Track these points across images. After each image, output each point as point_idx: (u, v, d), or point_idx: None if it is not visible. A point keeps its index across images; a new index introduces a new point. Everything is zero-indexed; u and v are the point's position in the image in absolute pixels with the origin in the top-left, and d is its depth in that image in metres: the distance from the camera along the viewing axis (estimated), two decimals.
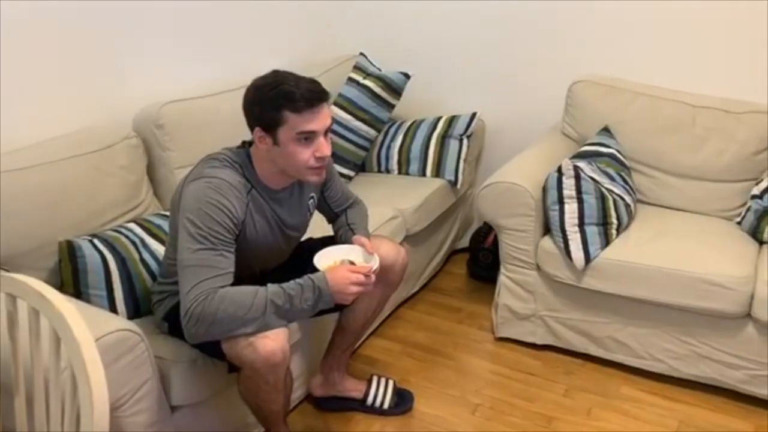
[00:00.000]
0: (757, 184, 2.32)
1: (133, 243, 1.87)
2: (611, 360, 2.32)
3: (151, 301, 1.81)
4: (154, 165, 2.19)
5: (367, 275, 1.62)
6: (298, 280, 1.56)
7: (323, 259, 1.69)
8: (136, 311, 1.83)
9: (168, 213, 2.04)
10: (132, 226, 1.94)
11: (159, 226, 1.96)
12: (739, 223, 2.36)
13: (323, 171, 1.66)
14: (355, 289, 1.59)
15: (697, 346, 2.15)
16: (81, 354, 1.08)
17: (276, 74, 1.59)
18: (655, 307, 2.17)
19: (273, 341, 1.52)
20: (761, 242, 2.27)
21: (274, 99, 1.54)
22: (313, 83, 1.58)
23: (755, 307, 2.02)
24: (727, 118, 2.44)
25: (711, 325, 2.11)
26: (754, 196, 2.29)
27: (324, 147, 1.60)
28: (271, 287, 1.54)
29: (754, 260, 2.13)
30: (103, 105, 2.16)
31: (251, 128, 1.61)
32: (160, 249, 1.90)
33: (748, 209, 2.30)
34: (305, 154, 1.58)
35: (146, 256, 1.87)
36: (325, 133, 1.61)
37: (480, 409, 2.15)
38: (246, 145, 1.70)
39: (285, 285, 1.55)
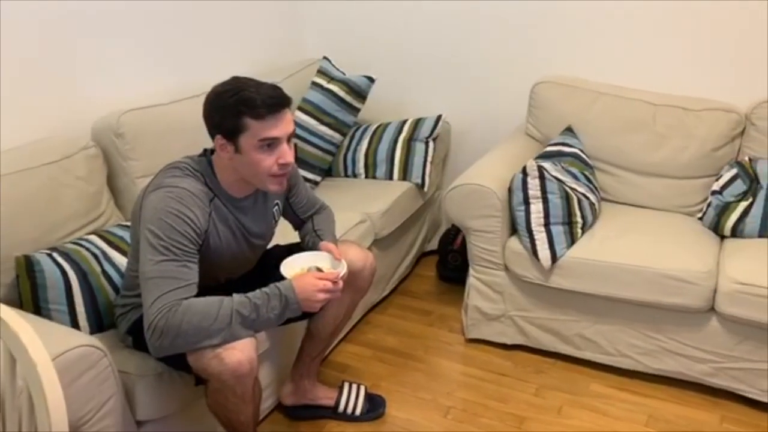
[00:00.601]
0: (716, 179, 2.37)
1: (95, 255, 1.83)
2: (580, 357, 2.34)
3: (115, 314, 1.77)
4: (115, 175, 2.14)
5: (334, 282, 1.60)
6: (264, 289, 1.54)
7: (290, 267, 1.67)
8: (99, 326, 1.79)
9: (129, 224, 2.01)
10: (93, 238, 1.89)
11: (121, 238, 1.92)
12: (700, 218, 2.40)
13: (285, 180, 1.64)
14: (322, 296, 1.58)
15: (664, 341, 2.18)
16: (37, 375, 1.05)
17: (236, 80, 1.57)
18: (621, 304, 2.20)
19: (240, 352, 1.50)
20: (722, 237, 2.31)
21: (235, 106, 1.51)
22: (275, 89, 1.56)
23: (718, 301, 2.06)
24: (687, 116, 2.48)
25: (676, 320, 2.15)
26: (714, 192, 2.33)
27: (287, 154, 1.58)
28: (237, 297, 1.51)
29: (715, 255, 2.17)
30: (59, 114, 2.11)
31: (212, 136, 1.58)
32: (122, 261, 1.86)
33: (709, 205, 2.35)
34: (268, 162, 1.56)
35: (108, 268, 1.83)
36: (288, 140, 1.59)
37: (452, 411, 2.15)
38: (207, 153, 1.67)
39: (251, 294, 1.52)
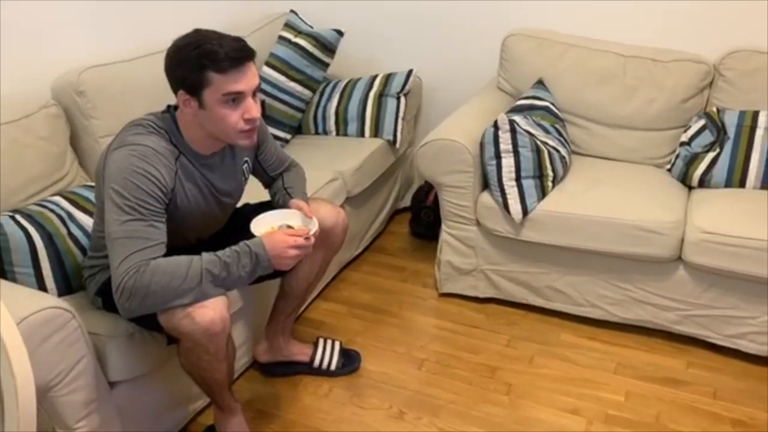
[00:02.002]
0: (685, 131, 2.39)
1: (60, 217, 1.79)
2: (551, 309, 2.38)
3: (83, 276, 1.75)
4: (78, 135, 2.09)
5: (306, 238, 1.59)
6: (234, 247, 1.52)
7: (260, 225, 1.65)
8: (67, 288, 1.77)
9: (94, 183, 1.97)
10: (57, 199, 1.85)
11: (87, 198, 1.88)
12: (669, 170, 2.43)
13: (254, 134, 1.61)
14: (293, 252, 1.56)
15: (632, 290, 2.22)
16: (0, 338, 1.03)
17: (198, 33, 1.51)
18: (591, 255, 2.23)
19: (212, 310, 1.49)
20: (690, 187, 2.34)
21: (197, 59, 1.46)
22: (238, 41, 1.51)
23: (685, 250, 2.09)
24: (657, 68, 2.48)
25: (644, 270, 2.19)
26: (682, 143, 2.36)
27: (253, 108, 1.54)
28: (206, 256, 1.50)
29: (683, 205, 2.20)
30: (17, 72, 2.03)
31: (175, 91, 1.54)
32: (89, 222, 1.82)
33: (677, 156, 2.37)
34: (233, 117, 1.52)
35: (74, 230, 1.80)
36: (254, 94, 1.56)
37: (426, 363, 2.18)
38: (171, 109, 1.63)
39: (221, 253, 1.51)
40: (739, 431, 1.90)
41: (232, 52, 1.47)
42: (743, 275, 2.03)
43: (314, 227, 1.64)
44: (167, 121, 1.59)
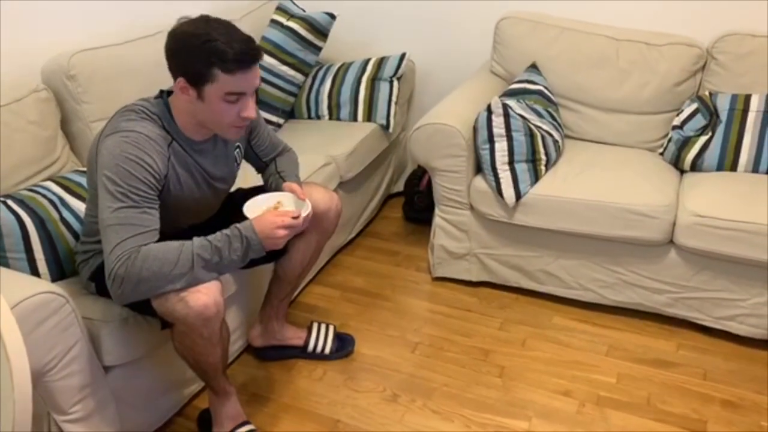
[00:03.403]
0: (677, 115, 2.39)
1: (51, 202, 1.78)
2: (543, 292, 2.40)
3: (76, 261, 1.74)
4: (69, 119, 2.07)
5: (295, 218, 1.58)
6: (224, 231, 1.52)
7: (252, 209, 1.65)
8: (60, 273, 1.76)
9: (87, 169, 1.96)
10: (49, 184, 1.84)
11: (78, 183, 1.87)
12: (661, 153, 2.44)
13: (243, 129, 1.61)
14: (283, 233, 1.55)
15: (624, 274, 2.24)
16: None
17: (208, 24, 1.48)
18: (583, 239, 2.24)
19: (205, 295, 1.49)
20: (682, 171, 2.35)
21: (205, 54, 1.45)
22: (248, 42, 1.49)
23: (677, 234, 2.11)
24: (650, 51, 2.48)
25: (636, 253, 2.20)
26: (675, 127, 2.36)
27: (251, 108, 1.55)
28: (197, 240, 1.49)
29: (675, 189, 2.21)
30: (6, 56, 2.01)
31: (174, 76, 1.52)
32: (81, 207, 1.82)
33: (670, 140, 2.38)
34: (231, 114, 1.53)
35: (67, 215, 1.79)
36: (253, 93, 1.56)
37: (419, 347, 2.19)
38: (164, 95, 1.62)
39: (211, 237, 1.51)
40: (728, 411, 1.92)
41: (241, 55, 1.46)
42: (734, 258, 2.05)
43: (307, 210, 1.64)
44: (160, 107, 1.58)
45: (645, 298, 2.25)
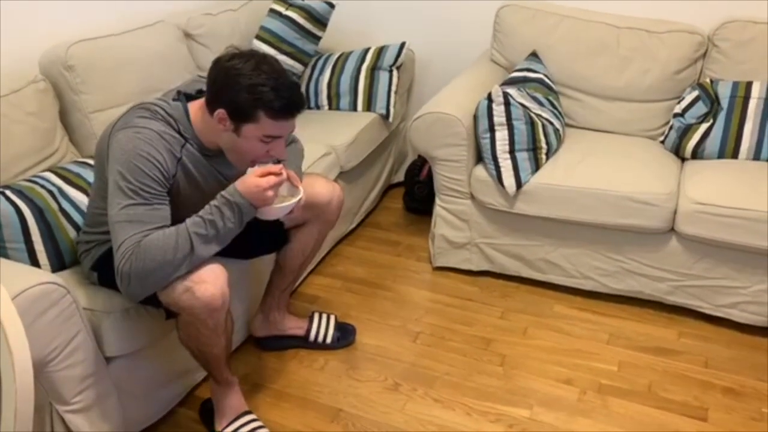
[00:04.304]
0: (678, 102, 2.38)
1: (51, 193, 1.77)
2: (544, 281, 2.40)
3: (78, 251, 1.74)
4: (68, 110, 2.06)
5: (277, 174, 1.54)
6: (212, 202, 1.51)
7: None
8: (60, 263, 1.76)
9: (86, 160, 1.95)
10: (48, 175, 1.83)
11: (78, 174, 1.87)
12: (662, 141, 2.44)
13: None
14: (267, 183, 1.51)
15: (625, 262, 2.24)
16: None
17: (257, 65, 1.47)
18: (584, 228, 2.24)
19: (212, 285, 1.49)
20: (683, 159, 2.35)
21: (252, 99, 1.45)
22: (294, 91, 1.50)
23: (678, 222, 2.10)
24: (650, 39, 2.47)
25: (637, 241, 2.20)
26: (676, 115, 2.36)
27: (282, 151, 1.57)
28: (189, 220, 1.49)
29: (676, 177, 2.21)
30: (4, 47, 2.00)
31: (212, 107, 1.51)
32: (80, 198, 1.81)
33: (671, 128, 2.37)
34: (260, 151, 1.54)
35: (66, 205, 1.78)
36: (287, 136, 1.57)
37: (421, 336, 2.20)
38: (182, 97, 1.60)
39: (202, 212, 1.50)
40: (729, 399, 1.93)
41: (288, 105, 1.48)
42: (735, 245, 2.05)
43: (299, 195, 1.62)
44: (178, 111, 1.57)
45: (646, 286, 2.24)
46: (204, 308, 1.49)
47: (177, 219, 1.54)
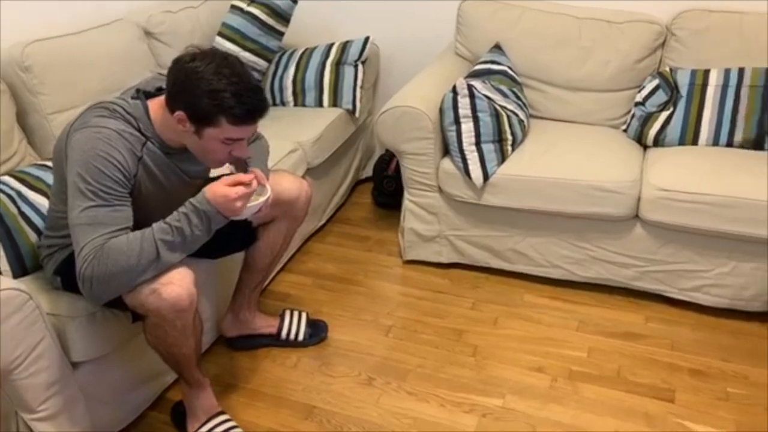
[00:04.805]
0: (639, 91, 2.42)
1: (10, 197, 1.73)
2: (513, 271, 2.42)
3: (40, 256, 1.70)
4: (25, 112, 2.01)
5: (246, 184, 1.52)
6: (180, 209, 1.49)
7: None
8: (22, 269, 1.72)
9: (45, 163, 1.90)
10: (6, 179, 1.79)
11: (37, 177, 1.82)
12: (625, 130, 2.47)
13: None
14: (235, 194, 1.49)
15: (592, 249, 2.27)
16: None
17: (218, 67, 1.44)
18: (551, 217, 2.27)
19: (179, 286, 1.47)
20: (645, 146, 2.39)
21: (213, 104, 1.43)
22: (256, 97, 1.47)
23: (642, 208, 2.14)
24: (611, 29, 2.50)
25: (603, 229, 2.23)
26: (637, 103, 2.39)
27: (244, 150, 1.55)
28: (156, 226, 1.47)
29: (639, 164, 2.24)
30: None
31: (172, 107, 1.48)
32: (41, 201, 1.77)
33: (633, 116, 2.41)
34: (223, 153, 1.53)
35: (26, 209, 1.74)
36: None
37: (393, 330, 2.20)
38: (141, 96, 1.57)
39: (169, 218, 1.48)
40: (695, 380, 1.97)
41: (249, 112, 1.46)
42: (698, 230, 2.09)
43: (265, 195, 1.61)
44: (138, 109, 1.54)
45: (613, 273, 2.28)
46: (171, 309, 1.47)
47: (140, 219, 1.51)
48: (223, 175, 1.79)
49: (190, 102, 1.45)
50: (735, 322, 2.19)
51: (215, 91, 1.43)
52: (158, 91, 1.59)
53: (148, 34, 2.42)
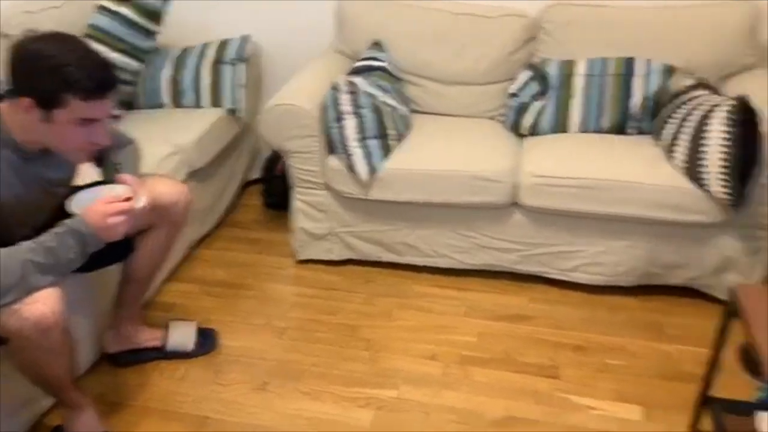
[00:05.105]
0: (513, 83, 2.51)
1: None
2: (404, 263, 2.45)
3: None
4: None
5: (126, 200, 1.49)
6: (53, 229, 1.41)
7: (80, 202, 1.53)
8: None
9: None
10: None
11: None
12: (502, 121, 2.56)
13: (90, 152, 1.51)
14: (115, 220, 1.46)
15: (476, 237, 2.34)
16: None
17: (59, 44, 1.36)
18: (436, 208, 2.31)
19: (42, 304, 1.38)
20: (522, 136, 2.49)
21: (57, 80, 1.34)
22: (103, 68, 1.39)
23: (520, 195, 2.23)
24: (486, 23, 2.58)
25: (486, 217, 2.31)
26: (512, 95, 2.49)
27: (103, 136, 1.46)
28: (25, 245, 1.37)
29: (516, 153, 2.33)
30: None
31: (15, 94, 1.38)
32: None
33: (508, 107, 2.50)
34: (80, 139, 1.43)
35: None
36: (106, 119, 1.46)
37: (287, 331, 2.17)
38: None
39: (41, 238, 1.39)
40: (578, 355, 2.07)
41: (97, 82, 1.37)
42: (572, 213, 2.20)
43: (141, 203, 1.55)
44: None
45: (497, 258, 2.36)
46: (34, 329, 1.37)
47: (7, 232, 1.40)
48: (94, 183, 1.72)
49: (34, 84, 1.36)
50: (612, 298, 2.32)
51: (58, 66, 1.35)
52: (8, 94, 1.48)
53: (4, 37, 2.25)
